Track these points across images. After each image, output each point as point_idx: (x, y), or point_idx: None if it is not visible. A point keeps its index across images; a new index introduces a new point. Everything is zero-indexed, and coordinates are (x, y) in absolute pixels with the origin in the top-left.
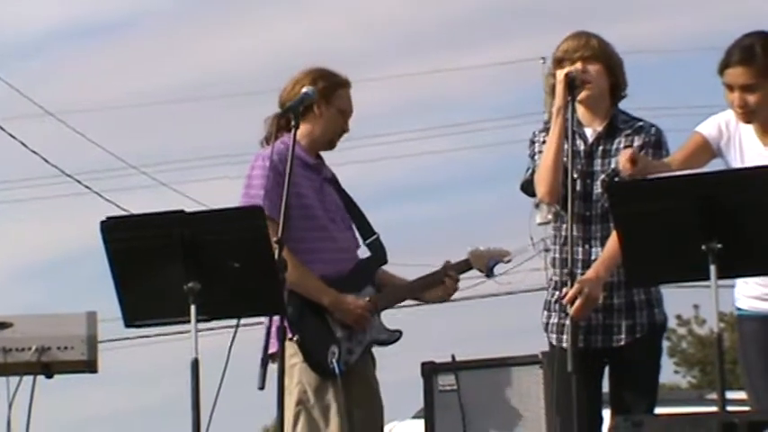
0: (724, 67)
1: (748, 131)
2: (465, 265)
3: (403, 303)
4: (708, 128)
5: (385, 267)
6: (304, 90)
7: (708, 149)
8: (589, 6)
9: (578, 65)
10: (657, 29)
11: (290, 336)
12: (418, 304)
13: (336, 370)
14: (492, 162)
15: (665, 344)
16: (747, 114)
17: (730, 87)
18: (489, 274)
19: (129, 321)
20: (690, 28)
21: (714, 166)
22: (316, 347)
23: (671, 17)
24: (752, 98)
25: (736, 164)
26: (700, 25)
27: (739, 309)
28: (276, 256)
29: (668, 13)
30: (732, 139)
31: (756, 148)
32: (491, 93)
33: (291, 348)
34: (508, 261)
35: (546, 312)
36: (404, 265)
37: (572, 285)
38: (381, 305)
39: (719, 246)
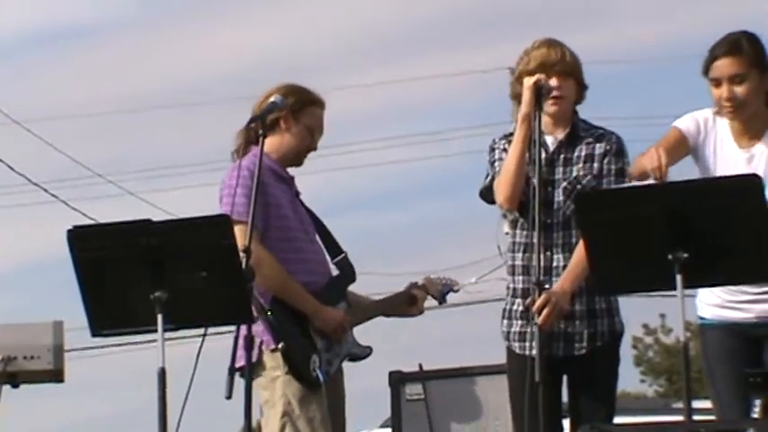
0: (711, 61)
1: (725, 131)
2: (422, 290)
3: None
4: (686, 123)
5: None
6: (272, 99)
7: (684, 145)
8: (555, 15)
9: (543, 75)
10: (621, 37)
11: (273, 346)
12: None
13: (321, 378)
14: (459, 170)
15: (632, 353)
16: (736, 108)
17: (717, 82)
18: (441, 300)
19: (96, 331)
20: (654, 37)
21: (686, 164)
22: (298, 356)
23: (634, 26)
24: (740, 90)
25: (710, 163)
26: (665, 34)
27: (702, 318)
28: (243, 264)
29: (631, 21)
30: (708, 137)
31: (731, 149)
32: (458, 101)
33: (273, 361)
34: (458, 290)
35: (506, 321)
36: (372, 273)
37: (539, 294)
38: (354, 321)
39: (686, 255)
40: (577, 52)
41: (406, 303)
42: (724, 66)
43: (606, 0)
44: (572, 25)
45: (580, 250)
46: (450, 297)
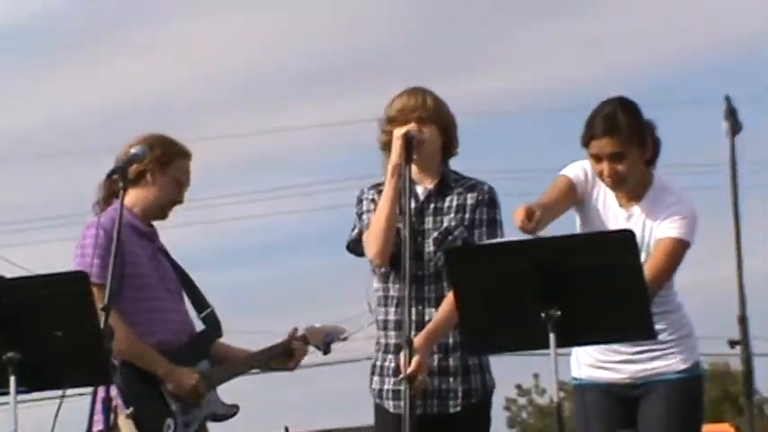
0: (590, 138)
1: (608, 189)
2: (303, 341)
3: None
4: (575, 171)
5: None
6: (133, 150)
7: (573, 193)
8: (432, 65)
9: (413, 125)
10: (497, 86)
11: (124, 411)
12: (256, 372)
13: None
14: (327, 224)
15: (505, 414)
16: (618, 182)
17: (598, 158)
18: (326, 350)
19: None
20: (527, 86)
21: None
22: (150, 420)
23: (509, 75)
24: (621, 166)
25: (593, 216)
26: (537, 84)
27: (576, 378)
28: (102, 323)
29: (506, 70)
30: (594, 189)
31: (613, 206)
32: (324, 153)
33: (126, 427)
34: (345, 339)
35: (377, 377)
36: (238, 332)
37: (409, 350)
38: (218, 380)
39: (559, 313)
40: (449, 100)
41: (282, 356)
42: (603, 145)
43: (474, 50)
44: (444, 74)
45: (448, 302)
46: (320, 356)
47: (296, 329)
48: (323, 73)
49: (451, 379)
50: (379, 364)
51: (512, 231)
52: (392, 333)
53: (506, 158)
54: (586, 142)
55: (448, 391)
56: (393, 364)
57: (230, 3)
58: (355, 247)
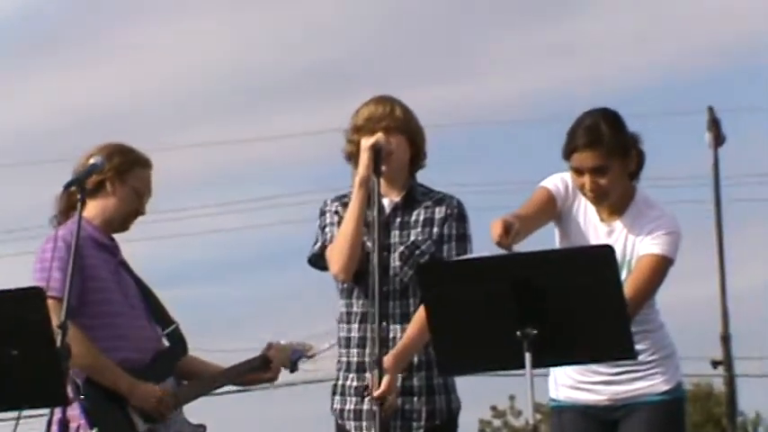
0: (571, 151)
1: (589, 202)
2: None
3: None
4: (555, 183)
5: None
6: (92, 161)
7: (552, 205)
8: (429, 68)
9: (380, 135)
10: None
11: (90, 430)
12: (224, 392)
13: None
14: (297, 238)
15: None
16: (600, 197)
17: (579, 171)
18: (293, 368)
19: None
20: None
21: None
22: None
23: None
24: (603, 180)
25: (572, 230)
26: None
27: (554, 399)
28: (59, 341)
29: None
30: (575, 202)
31: (594, 221)
32: (295, 165)
33: None
34: (312, 356)
35: (339, 397)
36: (206, 350)
37: (379, 369)
38: (185, 398)
39: (535, 332)
40: (447, 104)
41: (259, 368)
42: (585, 158)
43: (473, 52)
44: (442, 77)
45: (418, 320)
46: (287, 375)
47: (270, 344)
48: (308, 80)
49: (415, 399)
50: (341, 383)
51: (483, 246)
52: (354, 351)
53: (506, 164)
54: (567, 155)
55: (411, 412)
56: (355, 384)
57: (200, 7)
58: (317, 261)
